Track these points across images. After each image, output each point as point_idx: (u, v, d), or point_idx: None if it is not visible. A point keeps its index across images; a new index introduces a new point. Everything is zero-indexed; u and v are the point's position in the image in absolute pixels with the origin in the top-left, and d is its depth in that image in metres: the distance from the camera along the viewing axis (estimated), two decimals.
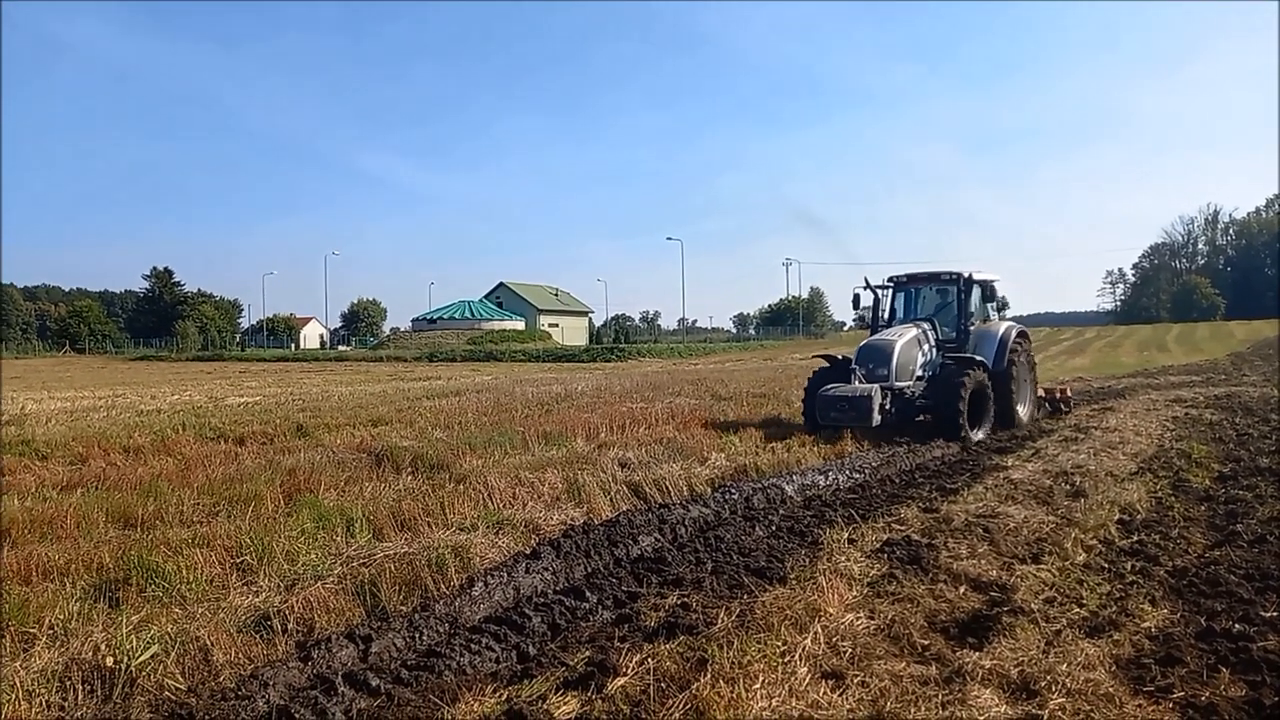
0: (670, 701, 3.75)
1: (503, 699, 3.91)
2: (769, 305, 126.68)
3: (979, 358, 13.64)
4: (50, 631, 4.44)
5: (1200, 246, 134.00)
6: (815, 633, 4.47)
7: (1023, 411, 14.50)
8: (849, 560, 6.00)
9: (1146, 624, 4.80)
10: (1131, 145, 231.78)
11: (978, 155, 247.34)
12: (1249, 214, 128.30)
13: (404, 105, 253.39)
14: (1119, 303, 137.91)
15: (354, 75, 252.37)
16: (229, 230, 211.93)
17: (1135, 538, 6.72)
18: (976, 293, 14.70)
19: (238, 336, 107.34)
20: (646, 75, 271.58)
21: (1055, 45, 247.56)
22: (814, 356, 16.16)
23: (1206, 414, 15.40)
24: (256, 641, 4.49)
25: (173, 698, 3.85)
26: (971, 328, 14.37)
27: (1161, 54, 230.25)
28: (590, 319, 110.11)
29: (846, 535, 6.83)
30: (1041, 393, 16.35)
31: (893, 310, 15.44)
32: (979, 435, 12.94)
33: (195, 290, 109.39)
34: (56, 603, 4.75)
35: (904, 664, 4.21)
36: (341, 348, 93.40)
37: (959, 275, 14.43)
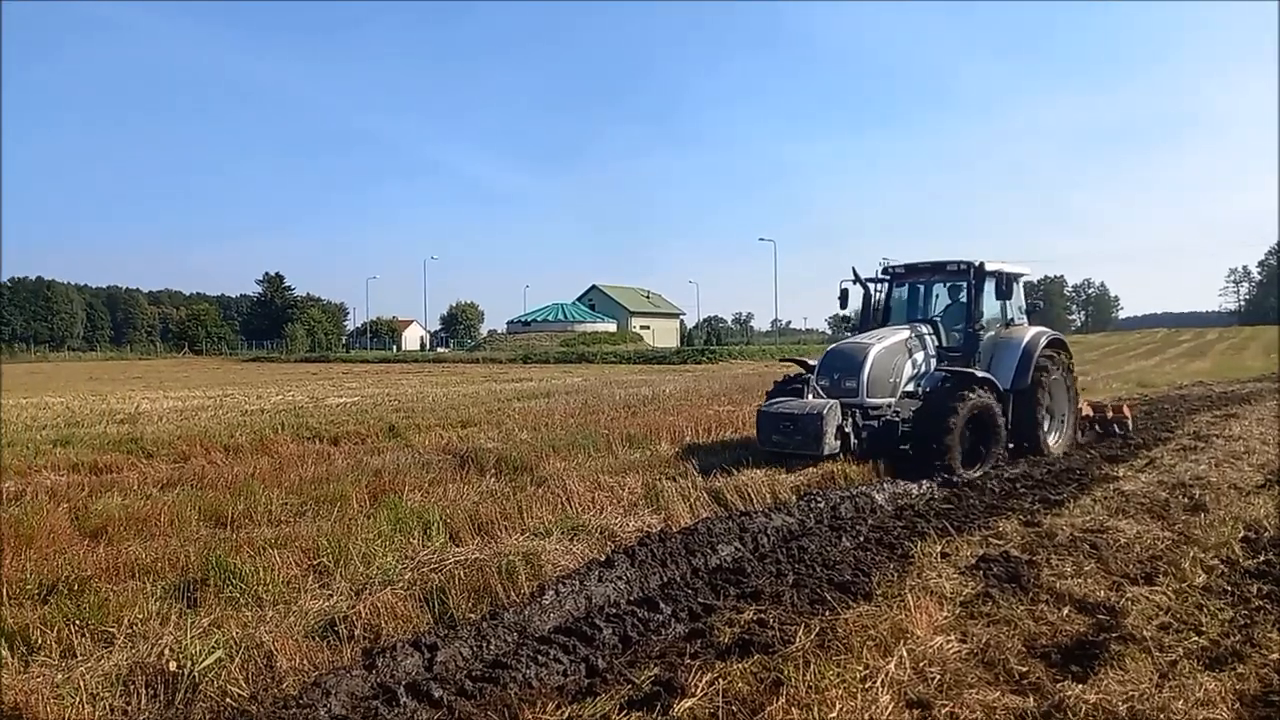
0: None
1: (564, 717, 3.75)
2: None
3: (981, 373, 10.77)
4: (130, 631, 4.52)
5: None
6: (900, 656, 4.17)
7: (1054, 440, 11.88)
8: (940, 577, 5.64)
9: (1275, 655, 4.33)
10: (1254, 139, 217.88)
11: (1084, 155, 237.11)
12: None
13: (502, 111, 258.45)
14: (1243, 302, 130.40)
15: (454, 80, 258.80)
16: (335, 236, 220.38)
17: (1262, 557, 6.13)
18: (990, 288, 11.72)
19: (343, 339, 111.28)
20: (734, 78, 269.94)
21: (1164, 39, 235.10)
22: (783, 360, 13.49)
23: None
24: (322, 648, 4.47)
25: (234, 704, 3.83)
26: (986, 333, 11.56)
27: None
28: (682, 320, 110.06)
29: (939, 549, 6.45)
30: (1089, 411, 13.62)
31: (887, 309, 12.52)
32: (975, 473, 10.04)
33: (304, 294, 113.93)
34: (137, 602, 4.84)
35: (998, 694, 3.88)
36: (440, 349, 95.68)
37: (969, 265, 11.46)
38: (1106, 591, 5.34)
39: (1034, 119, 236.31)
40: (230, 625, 4.53)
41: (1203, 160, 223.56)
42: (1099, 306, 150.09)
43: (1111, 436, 13.17)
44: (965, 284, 11.59)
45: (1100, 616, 4.89)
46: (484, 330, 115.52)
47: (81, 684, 3.77)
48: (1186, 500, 7.90)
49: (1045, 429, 11.67)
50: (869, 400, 10.25)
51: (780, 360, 12.77)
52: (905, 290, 12.66)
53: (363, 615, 4.77)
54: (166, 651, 4.05)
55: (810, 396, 10.01)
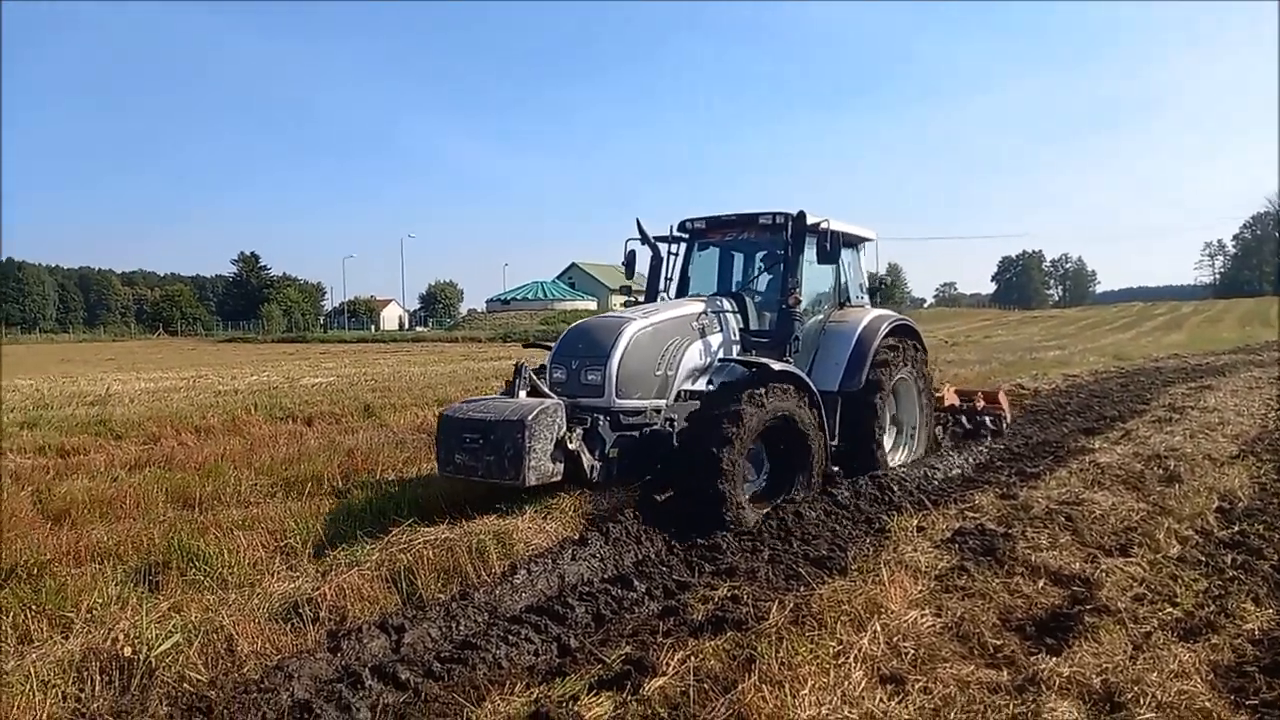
0: (711, 705, 3.47)
1: (532, 698, 3.67)
2: None
3: (780, 365, 7.33)
4: (88, 616, 4.40)
5: None
6: (874, 631, 4.12)
7: (899, 458, 9.14)
8: (916, 551, 5.59)
9: (1249, 626, 4.32)
10: (1230, 115, 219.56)
11: (1055, 138, 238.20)
12: None
13: (482, 91, 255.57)
14: (1218, 275, 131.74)
15: (433, 61, 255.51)
16: (312, 215, 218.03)
17: (1236, 528, 6.15)
18: (812, 251, 8.36)
19: (321, 319, 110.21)
20: (715, 64, 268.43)
21: (1136, 22, 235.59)
22: (527, 345, 10.32)
23: None
24: (286, 630, 4.37)
25: (192, 690, 3.74)
26: (811, 317, 8.63)
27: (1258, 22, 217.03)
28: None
29: (915, 522, 6.41)
30: (953, 400, 10.72)
31: (685, 279, 9.29)
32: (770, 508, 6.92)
33: (281, 274, 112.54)
34: (96, 586, 4.72)
35: (972, 668, 3.84)
36: (419, 329, 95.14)
37: (785, 217, 8.22)
38: (1081, 563, 5.32)
39: (1002, 103, 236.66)
40: (191, 609, 4.43)
41: (1175, 140, 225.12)
42: (1076, 281, 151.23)
43: (979, 435, 10.73)
44: (783, 245, 8.37)
45: (1075, 589, 4.86)
46: (463, 309, 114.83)
47: (33, 671, 3.66)
48: (1161, 471, 7.91)
49: (886, 443, 8.85)
50: (621, 402, 6.98)
51: (525, 346, 10.19)
52: (710, 254, 9.42)
53: (328, 597, 4.68)
54: (121, 636, 3.93)
55: (521, 394, 6.69)
